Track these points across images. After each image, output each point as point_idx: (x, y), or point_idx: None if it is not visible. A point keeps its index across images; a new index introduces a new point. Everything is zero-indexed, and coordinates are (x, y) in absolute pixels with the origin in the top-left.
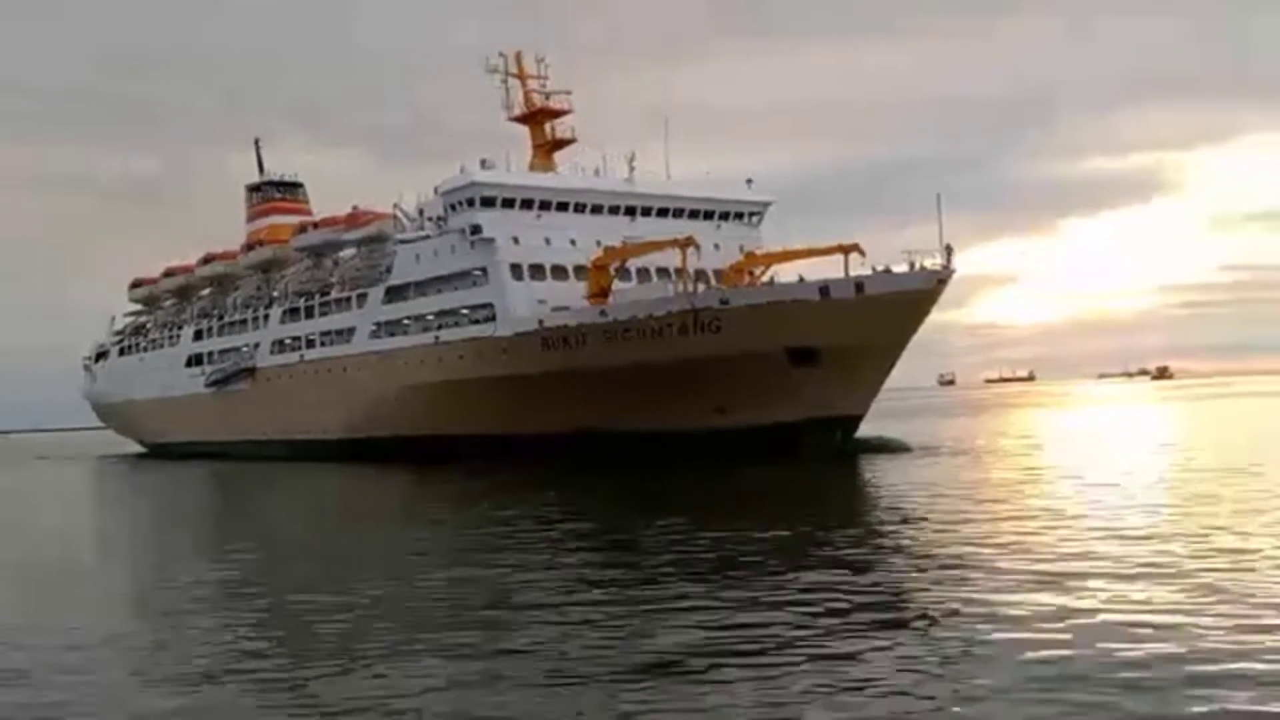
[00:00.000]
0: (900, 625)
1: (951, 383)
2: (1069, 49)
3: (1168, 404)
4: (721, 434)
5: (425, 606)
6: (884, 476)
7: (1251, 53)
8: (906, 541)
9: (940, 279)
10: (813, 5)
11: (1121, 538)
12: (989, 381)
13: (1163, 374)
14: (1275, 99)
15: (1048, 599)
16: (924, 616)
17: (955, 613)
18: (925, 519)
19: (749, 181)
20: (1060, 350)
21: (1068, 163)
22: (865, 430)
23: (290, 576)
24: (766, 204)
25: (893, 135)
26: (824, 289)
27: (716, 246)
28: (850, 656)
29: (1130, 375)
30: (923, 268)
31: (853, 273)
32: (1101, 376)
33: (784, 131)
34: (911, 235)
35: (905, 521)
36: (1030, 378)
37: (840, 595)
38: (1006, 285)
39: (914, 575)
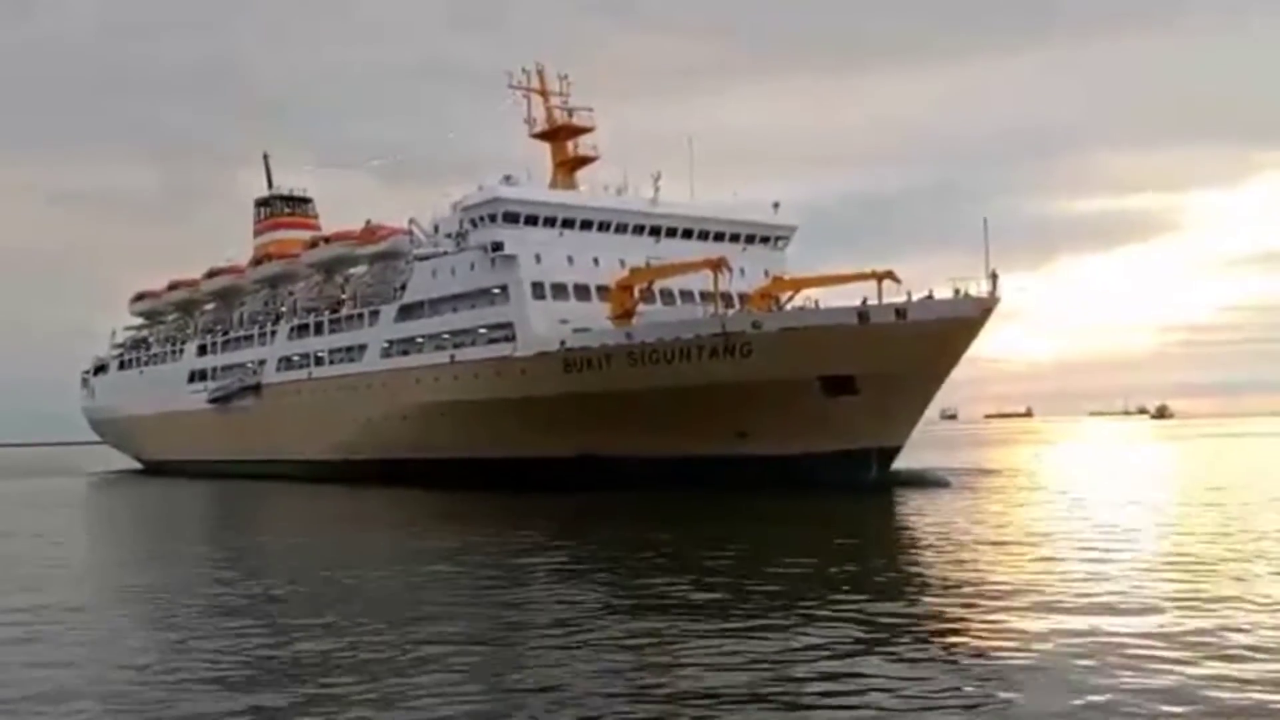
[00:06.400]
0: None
1: (954, 417)
2: (1073, 88)
3: (1175, 444)
4: (744, 462)
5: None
6: (936, 516)
7: (1255, 95)
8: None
9: (986, 307)
10: (819, 41)
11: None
12: (988, 417)
13: (1162, 413)
14: (1277, 141)
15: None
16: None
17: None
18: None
19: (775, 205)
20: (1057, 387)
21: (1069, 200)
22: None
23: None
24: (792, 228)
25: (899, 167)
26: (863, 314)
27: (742, 270)
28: None
29: (1128, 413)
30: (967, 294)
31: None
32: (1093, 414)
33: (789, 164)
34: (918, 267)
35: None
36: (1028, 414)
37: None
38: (1005, 320)
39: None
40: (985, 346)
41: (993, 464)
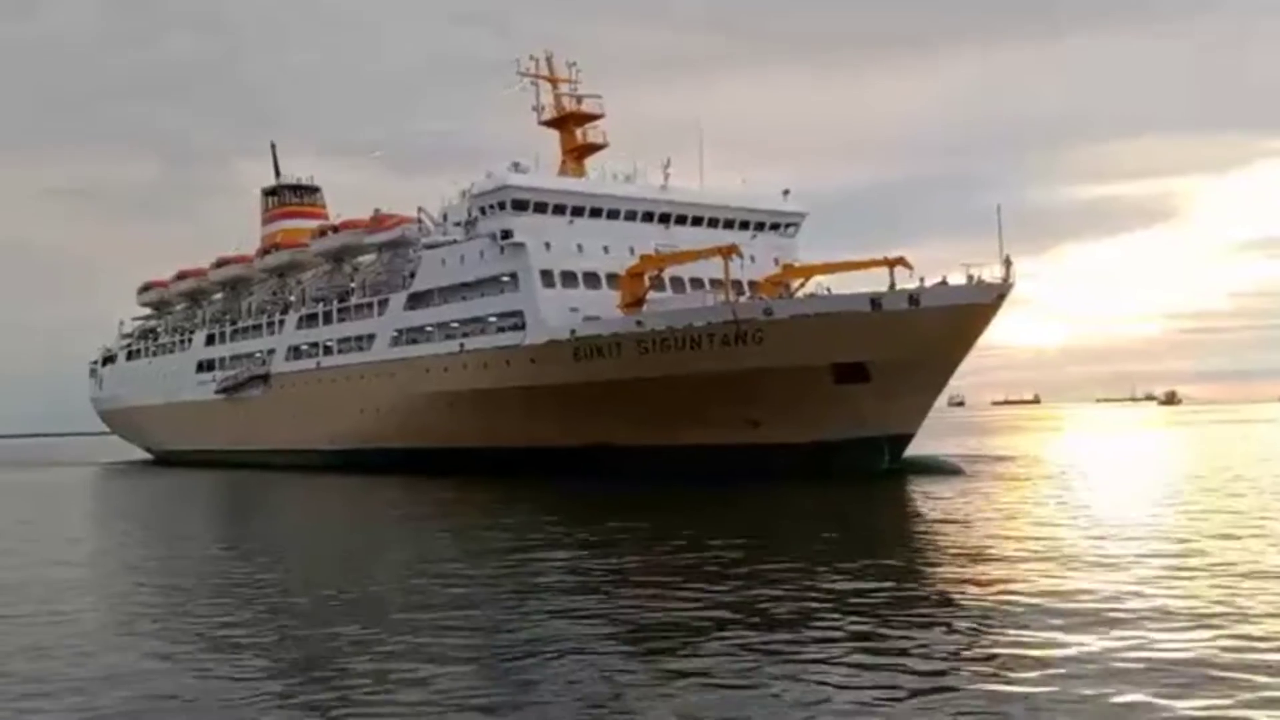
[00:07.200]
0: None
1: (961, 404)
2: (1077, 76)
3: (1185, 430)
4: (757, 450)
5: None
6: (951, 504)
7: (1259, 81)
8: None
9: (1000, 293)
10: (824, 33)
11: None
12: (995, 404)
13: (1170, 399)
14: (1278, 128)
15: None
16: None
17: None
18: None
19: (785, 192)
20: (1064, 374)
21: (1075, 188)
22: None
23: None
24: (802, 215)
25: (902, 157)
26: (875, 301)
27: (752, 258)
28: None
29: (1136, 400)
30: (980, 281)
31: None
32: (1100, 401)
33: (796, 153)
34: (927, 254)
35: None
36: (1036, 400)
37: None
38: (1013, 307)
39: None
40: (993, 333)
41: (1004, 451)
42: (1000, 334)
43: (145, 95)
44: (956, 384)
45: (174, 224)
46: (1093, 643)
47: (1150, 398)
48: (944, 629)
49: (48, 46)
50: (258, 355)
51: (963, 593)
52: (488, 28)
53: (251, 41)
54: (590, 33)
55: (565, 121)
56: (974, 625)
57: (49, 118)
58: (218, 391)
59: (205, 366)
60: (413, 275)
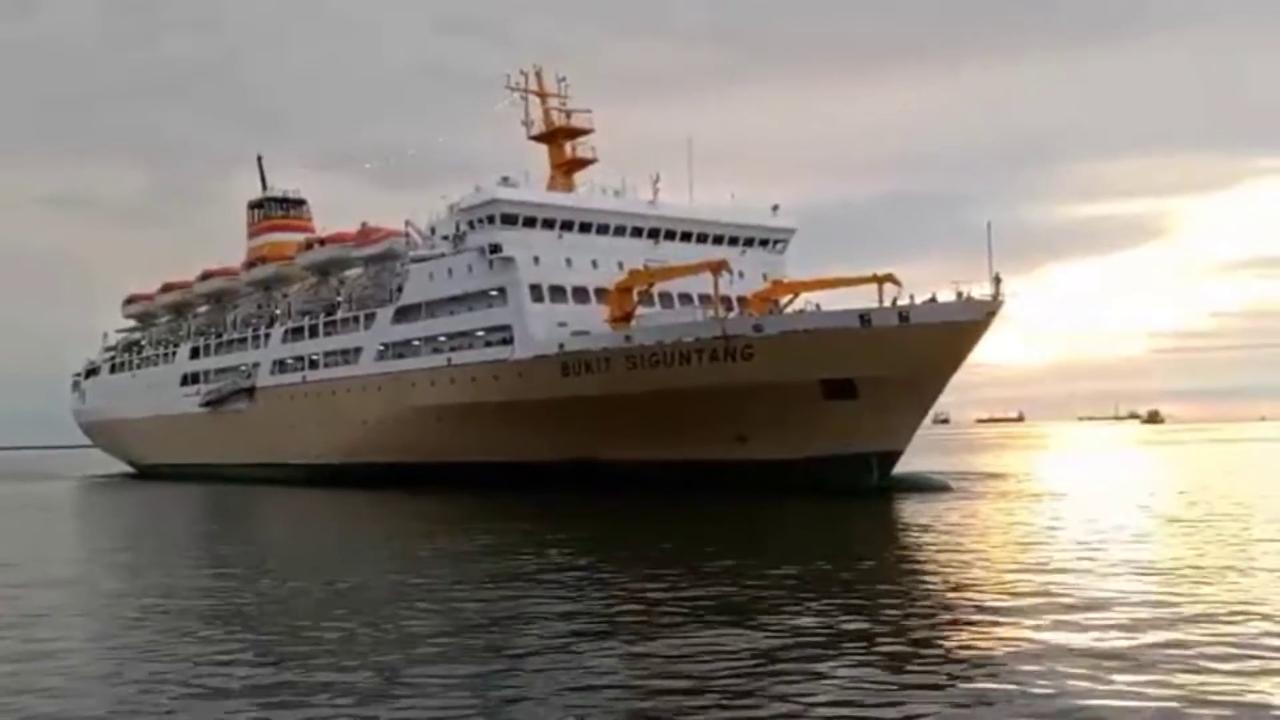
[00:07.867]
0: None
1: (946, 421)
2: (1067, 94)
3: (1169, 449)
4: (745, 466)
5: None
6: (941, 520)
7: (1244, 101)
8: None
9: (990, 311)
10: (823, 44)
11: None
12: (980, 421)
13: (1153, 418)
14: (1267, 147)
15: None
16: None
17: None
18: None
19: (775, 207)
20: (1048, 392)
21: (1062, 207)
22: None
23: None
24: (791, 231)
25: (894, 173)
26: (865, 317)
27: (741, 273)
28: None
29: (1119, 418)
30: (969, 298)
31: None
32: (1084, 419)
33: (782, 170)
34: (912, 272)
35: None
36: (1020, 418)
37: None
38: (999, 324)
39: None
40: (979, 351)
41: (989, 468)
42: (986, 351)
43: (144, 97)
44: (941, 401)
45: (172, 231)
46: (1088, 650)
47: (1134, 416)
48: (936, 635)
49: (47, 47)
50: (243, 369)
51: (956, 612)
52: (486, 39)
53: (251, 42)
54: (589, 45)
55: (554, 136)
56: (967, 644)
57: (48, 120)
58: (202, 405)
59: (190, 380)
60: (400, 289)
